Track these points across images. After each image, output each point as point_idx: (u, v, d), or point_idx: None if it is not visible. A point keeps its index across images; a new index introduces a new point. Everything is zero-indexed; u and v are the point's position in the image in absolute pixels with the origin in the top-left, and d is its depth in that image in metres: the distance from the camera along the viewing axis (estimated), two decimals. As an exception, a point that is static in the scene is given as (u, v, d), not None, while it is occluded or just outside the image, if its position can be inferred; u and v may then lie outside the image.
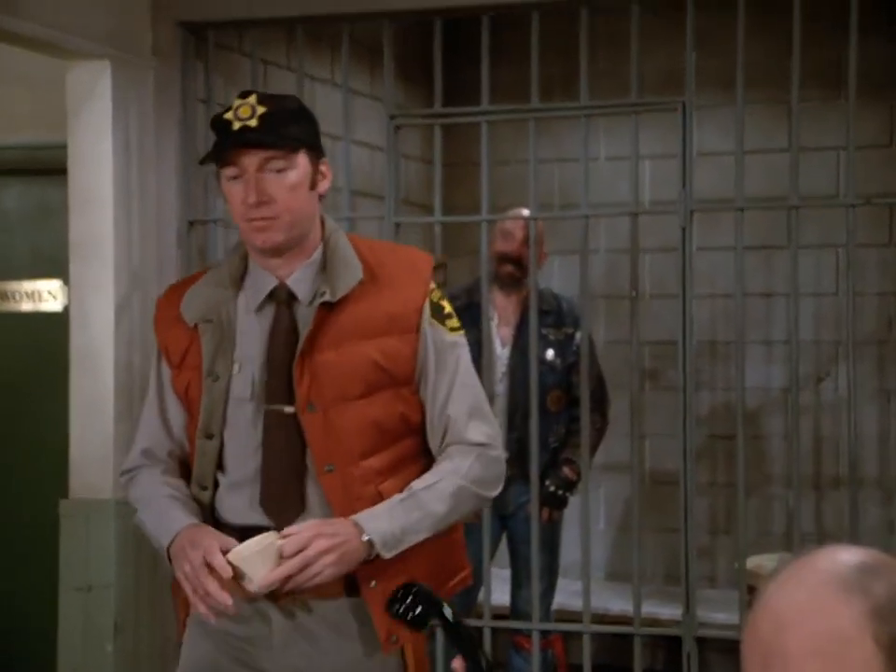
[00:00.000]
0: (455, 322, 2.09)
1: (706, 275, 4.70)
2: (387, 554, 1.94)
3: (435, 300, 2.07)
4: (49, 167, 3.82)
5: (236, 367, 2.05)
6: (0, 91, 4.09)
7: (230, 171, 1.99)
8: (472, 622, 3.66)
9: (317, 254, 2.06)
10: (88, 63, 3.46)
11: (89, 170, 3.49)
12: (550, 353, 3.91)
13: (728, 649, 3.76)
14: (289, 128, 1.99)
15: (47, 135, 3.80)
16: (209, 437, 2.06)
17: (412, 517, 1.96)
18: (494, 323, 3.96)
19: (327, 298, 2.01)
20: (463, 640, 1.43)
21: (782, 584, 1.04)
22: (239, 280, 2.10)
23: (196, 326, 2.07)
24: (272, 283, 2.06)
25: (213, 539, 1.94)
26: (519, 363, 3.91)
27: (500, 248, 3.94)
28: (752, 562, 3.99)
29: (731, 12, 3.41)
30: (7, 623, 4.08)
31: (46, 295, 4.05)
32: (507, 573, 4.19)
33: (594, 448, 3.87)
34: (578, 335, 3.90)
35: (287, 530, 1.93)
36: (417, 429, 2.07)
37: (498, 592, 4.02)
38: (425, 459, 2.08)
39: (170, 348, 2.11)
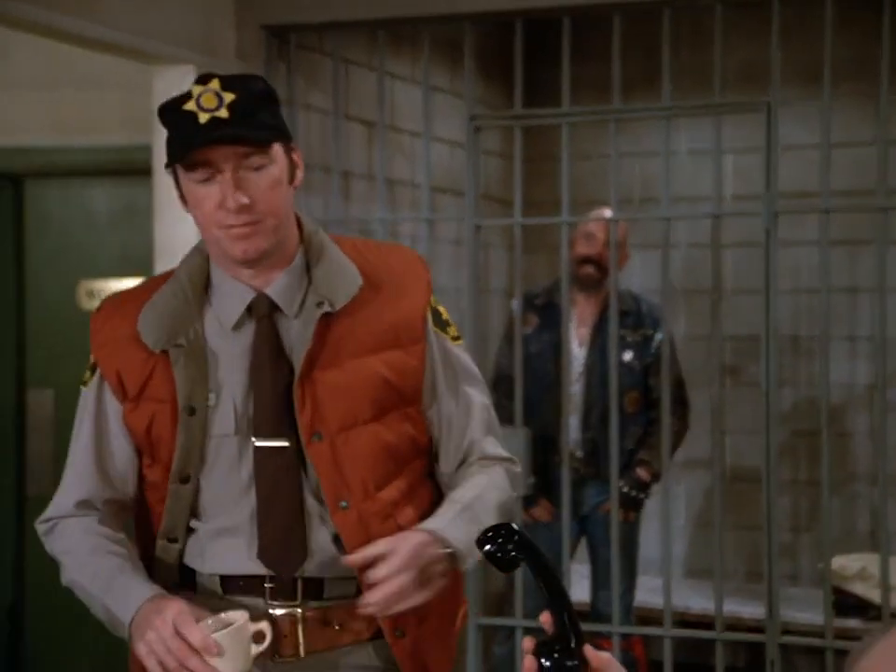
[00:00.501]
0: (455, 330, 1.86)
1: (789, 270, 4.64)
2: (463, 568, 1.73)
3: (434, 305, 1.83)
4: (136, 168, 3.90)
5: (212, 397, 1.73)
6: (90, 95, 4.18)
7: (199, 173, 1.67)
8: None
9: (299, 258, 1.77)
10: (173, 66, 3.52)
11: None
12: (628, 354, 3.90)
13: (812, 650, 3.74)
14: (263, 115, 1.69)
15: (135, 137, 3.88)
16: (184, 480, 1.75)
17: (472, 531, 1.60)
18: (572, 323, 3.96)
19: (325, 308, 1.72)
20: (552, 585, 1.38)
21: (876, 663, 0.94)
22: (203, 292, 1.78)
23: (164, 351, 1.73)
24: (247, 295, 1.75)
25: (181, 605, 1.64)
26: (596, 363, 3.90)
27: (581, 251, 3.93)
28: (836, 562, 3.95)
29: (814, 5, 3.36)
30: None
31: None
32: (586, 569, 4.19)
33: (673, 450, 3.84)
34: (657, 337, 3.88)
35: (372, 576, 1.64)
36: (425, 451, 1.82)
37: (577, 587, 4.03)
38: (431, 481, 1.85)
39: (124, 376, 1.75)
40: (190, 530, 1.78)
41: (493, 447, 1.84)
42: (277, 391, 1.73)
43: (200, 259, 1.80)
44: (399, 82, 4.41)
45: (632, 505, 3.95)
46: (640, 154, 4.93)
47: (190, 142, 1.65)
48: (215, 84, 1.67)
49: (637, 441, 3.97)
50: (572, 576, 3.77)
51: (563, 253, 3.60)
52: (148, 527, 1.82)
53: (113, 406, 1.80)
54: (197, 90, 1.67)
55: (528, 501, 3.88)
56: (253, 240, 1.69)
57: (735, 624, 3.98)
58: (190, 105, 1.66)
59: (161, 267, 3.61)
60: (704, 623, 3.91)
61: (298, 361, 1.72)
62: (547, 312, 3.81)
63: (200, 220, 1.72)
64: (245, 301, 1.76)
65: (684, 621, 4.17)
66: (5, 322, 4.32)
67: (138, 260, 4.08)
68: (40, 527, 1.84)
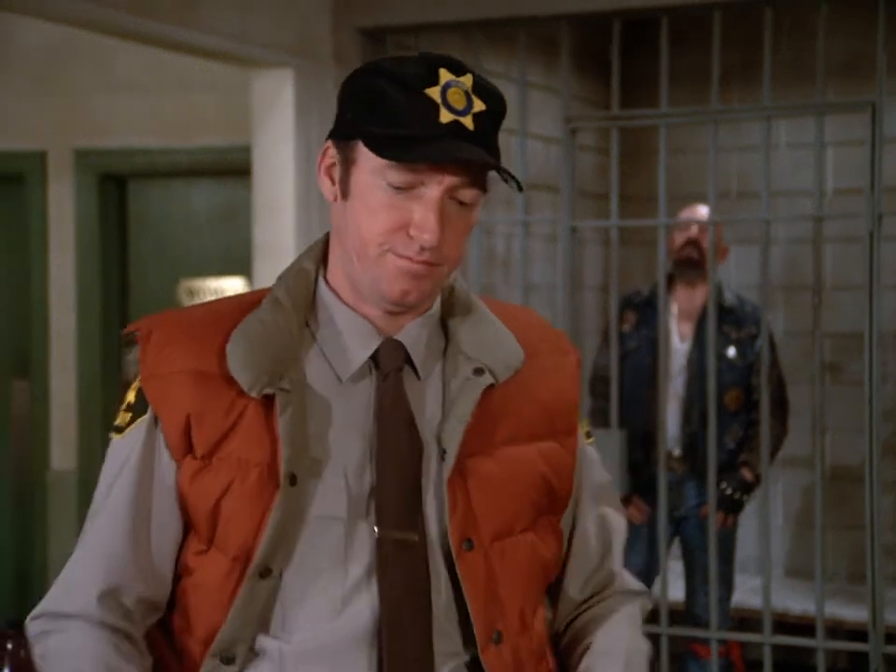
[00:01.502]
0: (587, 424, 1.51)
1: (892, 266, 4.53)
2: None
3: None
4: (235, 169, 3.96)
5: (317, 465, 1.31)
6: (190, 98, 4.26)
7: (405, 177, 1.28)
8: (648, 628, 3.66)
9: (437, 305, 1.40)
10: (272, 70, 3.57)
11: (272, 175, 3.60)
12: (731, 351, 3.84)
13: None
14: (496, 141, 1.34)
15: (234, 138, 3.94)
16: (264, 574, 1.29)
17: None
18: (673, 318, 3.94)
19: (488, 379, 1.36)
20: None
21: None
22: (304, 324, 1.36)
23: (265, 396, 1.31)
24: (373, 338, 1.35)
25: None
26: (698, 359, 3.86)
27: (681, 237, 3.91)
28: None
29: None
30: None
31: (230, 293, 4.21)
32: (679, 566, 4.15)
33: (772, 455, 3.79)
34: (761, 336, 3.81)
35: None
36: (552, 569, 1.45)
37: (671, 587, 4.00)
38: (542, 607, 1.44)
39: (195, 424, 1.31)
40: (254, 649, 1.30)
41: (631, 579, 1.49)
42: (409, 471, 1.33)
43: (305, 281, 1.37)
44: (494, 78, 4.40)
45: (732, 508, 3.90)
46: (739, 148, 4.86)
47: (430, 142, 1.27)
48: (467, 80, 1.31)
49: (737, 441, 3.91)
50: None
51: (660, 254, 3.57)
52: (186, 641, 1.33)
53: (165, 464, 1.33)
54: (445, 76, 1.30)
55: (622, 501, 3.85)
56: (421, 283, 1.32)
57: (836, 627, 3.92)
58: (434, 93, 1.28)
59: (258, 266, 3.67)
60: (804, 625, 3.85)
61: (449, 441, 1.33)
62: (646, 309, 3.78)
63: (358, 230, 1.31)
64: (369, 346, 1.35)
65: (783, 622, 4.11)
66: (110, 318, 4.43)
67: (237, 260, 4.15)
68: (35, 625, 1.34)
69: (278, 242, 3.64)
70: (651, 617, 3.68)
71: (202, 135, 4.24)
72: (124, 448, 1.35)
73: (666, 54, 3.42)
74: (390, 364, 1.35)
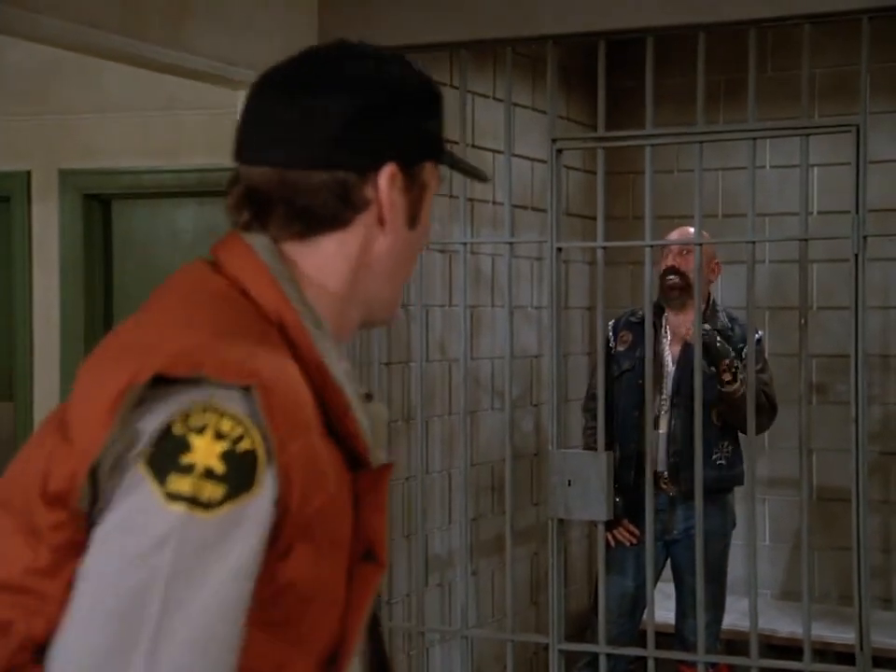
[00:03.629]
0: None
1: (878, 286, 4.55)
2: None
3: None
4: (222, 189, 3.94)
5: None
6: (176, 118, 4.25)
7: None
8: (636, 651, 3.65)
9: None
10: (257, 91, 3.56)
11: (258, 195, 3.59)
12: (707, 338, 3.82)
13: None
14: None
15: (221, 159, 3.91)
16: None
17: None
18: (666, 340, 3.95)
19: None
20: None
21: None
22: None
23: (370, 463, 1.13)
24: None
25: None
26: (683, 379, 3.86)
27: (667, 262, 3.92)
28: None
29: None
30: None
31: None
32: (670, 588, 4.14)
33: (761, 428, 3.80)
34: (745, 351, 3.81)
35: None
36: None
37: (662, 609, 3.99)
38: None
39: (331, 505, 1.07)
40: None
41: None
42: None
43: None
44: (480, 99, 4.41)
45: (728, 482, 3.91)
46: (724, 168, 4.87)
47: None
48: None
49: (726, 457, 3.91)
50: (656, 595, 3.72)
51: (646, 275, 3.57)
52: None
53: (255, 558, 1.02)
54: None
55: (611, 524, 3.83)
56: None
57: (824, 649, 3.90)
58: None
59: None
60: (792, 647, 3.83)
61: None
62: (642, 329, 3.78)
63: (414, 256, 1.23)
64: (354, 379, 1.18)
65: (771, 644, 4.10)
66: (94, 339, 4.40)
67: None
68: None
69: (264, 262, 3.62)
70: (640, 640, 3.68)
71: (188, 156, 4.23)
72: (213, 531, 0.99)
73: (652, 75, 3.42)
74: None
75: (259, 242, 1.17)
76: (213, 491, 0.99)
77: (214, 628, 0.98)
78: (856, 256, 3.30)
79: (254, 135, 1.19)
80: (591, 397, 3.96)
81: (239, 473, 0.99)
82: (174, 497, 0.98)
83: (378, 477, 1.12)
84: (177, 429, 1.00)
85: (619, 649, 3.66)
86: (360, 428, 1.11)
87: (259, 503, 1.00)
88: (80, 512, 1.02)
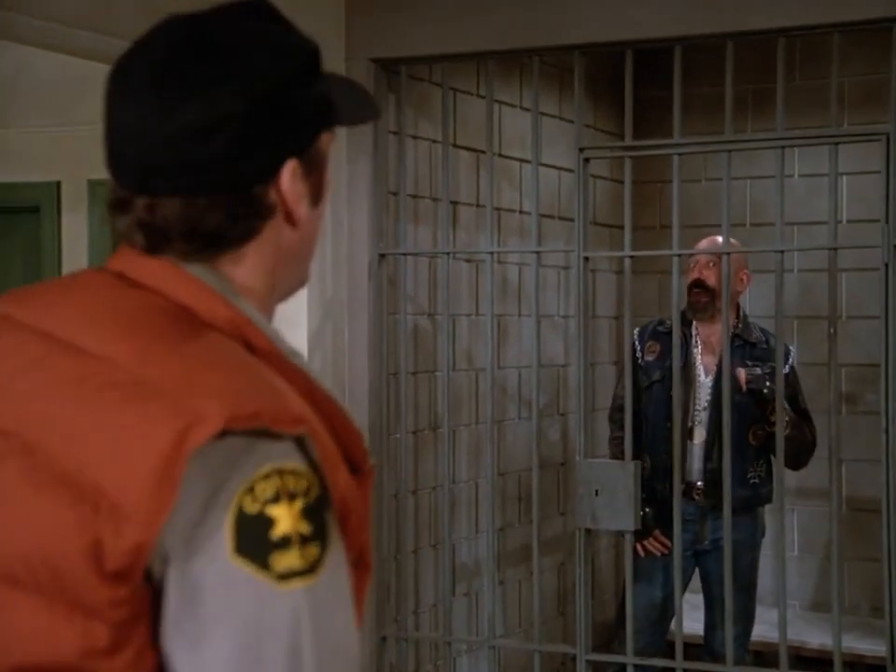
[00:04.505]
0: None
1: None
2: None
3: None
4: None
5: None
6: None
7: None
8: (664, 662, 3.63)
9: None
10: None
11: (284, 205, 3.59)
12: (754, 385, 3.79)
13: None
14: None
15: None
16: None
17: None
18: (697, 351, 3.93)
19: None
20: None
21: None
22: None
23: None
24: None
25: None
26: (718, 390, 3.84)
27: (693, 275, 3.90)
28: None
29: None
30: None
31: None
32: (697, 598, 4.12)
33: (805, 448, 3.81)
34: (786, 370, 3.75)
35: None
36: None
37: (688, 620, 3.96)
38: None
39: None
40: None
41: None
42: None
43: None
44: (507, 108, 4.41)
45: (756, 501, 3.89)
46: (752, 177, 4.85)
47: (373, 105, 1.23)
48: None
49: (760, 476, 3.88)
50: (683, 606, 3.70)
51: (674, 284, 3.55)
52: None
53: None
54: None
55: (641, 533, 3.82)
56: None
57: (855, 661, 3.87)
58: None
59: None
60: (822, 658, 3.80)
61: None
62: (671, 339, 3.75)
63: (317, 229, 1.18)
64: None
65: (800, 656, 4.06)
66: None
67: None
68: None
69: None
70: (668, 651, 3.66)
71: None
72: (327, 586, 0.98)
73: (680, 84, 3.41)
74: None
75: (193, 267, 1.07)
76: (313, 553, 0.96)
77: (351, 657, 0.99)
78: (886, 265, 3.28)
79: (134, 157, 1.07)
80: (617, 407, 3.94)
81: (321, 523, 0.97)
82: (287, 576, 0.94)
83: (366, 480, 1.08)
84: (251, 507, 0.94)
85: (647, 659, 3.64)
86: (358, 432, 1.08)
87: (339, 540, 1.00)
88: (145, 586, 0.95)
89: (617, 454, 3.85)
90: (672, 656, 3.52)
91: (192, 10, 1.09)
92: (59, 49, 3.00)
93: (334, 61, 3.66)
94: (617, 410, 3.94)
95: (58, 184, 4.52)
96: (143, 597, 0.95)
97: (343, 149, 3.67)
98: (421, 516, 3.97)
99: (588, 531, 3.54)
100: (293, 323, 3.59)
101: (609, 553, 5.15)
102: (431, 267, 4.03)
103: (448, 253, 3.72)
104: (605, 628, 4.67)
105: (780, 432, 3.45)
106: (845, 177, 4.53)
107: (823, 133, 3.40)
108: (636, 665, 3.56)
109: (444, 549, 3.78)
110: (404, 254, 3.77)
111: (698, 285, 3.88)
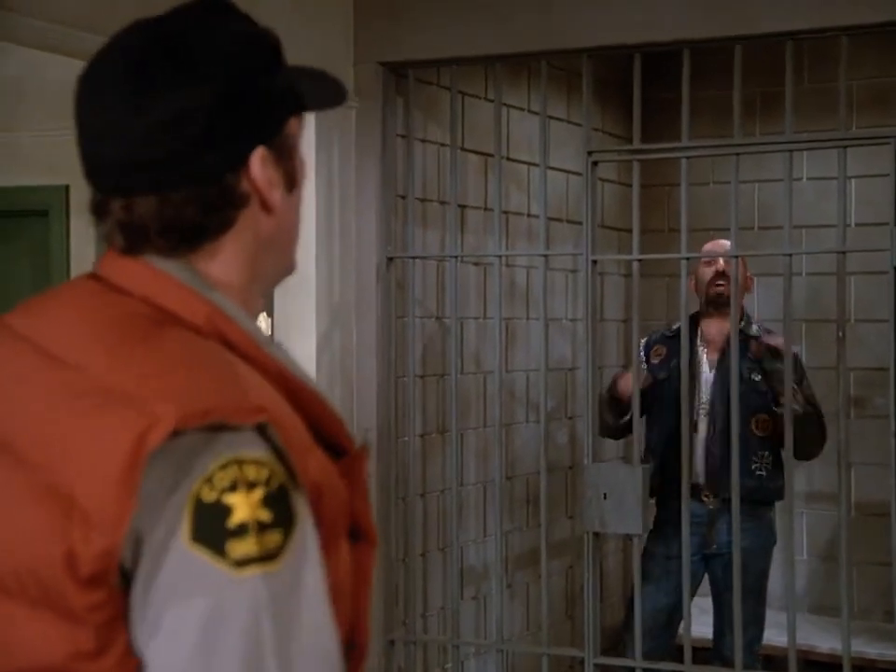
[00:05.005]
0: None
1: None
2: None
3: None
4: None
5: None
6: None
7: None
8: (673, 665, 3.62)
9: None
10: (293, 104, 3.57)
11: (293, 210, 3.60)
12: (757, 375, 3.81)
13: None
14: None
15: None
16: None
17: None
18: (703, 350, 3.94)
19: None
20: None
21: None
22: None
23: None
24: None
25: None
26: (721, 384, 3.84)
27: (718, 267, 3.90)
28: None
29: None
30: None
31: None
32: (705, 602, 4.11)
33: (816, 432, 3.81)
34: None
35: None
36: None
37: (697, 624, 3.95)
38: None
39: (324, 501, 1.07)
40: None
41: None
42: None
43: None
44: (515, 112, 4.41)
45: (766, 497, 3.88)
46: (760, 180, 4.85)
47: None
48: None
49: (766, 467, 3.87)
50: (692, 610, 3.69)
51: (682, 287, 3.55)
52: None
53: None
54: None
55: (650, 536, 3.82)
56: None
57: (866, 666, 3.86)
58: None
59: (280, 301, 3.66)
60: (831, 663, 3.79)
61: None
62: (676, 341, 3.75)
63: (298, 214, 1.20)
64: None
65: (809, 660, 4.05)
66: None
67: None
68: None
69: (299, 274, 3.62)
70: (676, 655, 3.65)
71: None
72: (289, 574, 0.98)
73: (688, 87, 3.41)
74: None
75: (169, 264, 1.10)
76: (273, 539, 0.97)
77: (324, 650, 1.00)
78: (894, 268, 3.27)
79: (109, 158, 1.10)
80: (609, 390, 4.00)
81: (283, 511, 0.98)
82: (243, 562, 0.95)
83: (356, 460, 1.11)
84: (208, 496, 0.96)
85: (655, 663, 3.63)
86: (338, 417, 1.11)
87: (307, 527, 1.00)
88: (120, 587, 0.97)
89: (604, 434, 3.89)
90: (680, 660, 3.51)
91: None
92: (60, 50, 3.00)
93: (343, 65, 3.66)
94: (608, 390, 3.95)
95: (66, 187, 4.51)
96: (121, 598, 0.97)
97: (352, 154, 3.68)
98: (429, 519, 3.97)
99: (596, 535, 3.53)
100: (302, 327, 3.60)
101: (616, 557, 5.15)
102: (439, 270, 4.03)
103: (456, 256, 3.73)
104: (613, 632, 4.67)
105: (789, 434, 3.44)
106: (853, 181, 4.52)
107: (832, 137, 3.40)
108: (644, 669, 3.55)
109: (452, 552, 3.78)
110: (412, 257, 3.78)
111: (723, 277, 3.87)
